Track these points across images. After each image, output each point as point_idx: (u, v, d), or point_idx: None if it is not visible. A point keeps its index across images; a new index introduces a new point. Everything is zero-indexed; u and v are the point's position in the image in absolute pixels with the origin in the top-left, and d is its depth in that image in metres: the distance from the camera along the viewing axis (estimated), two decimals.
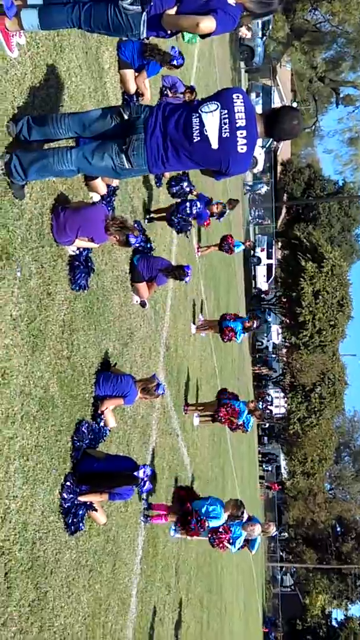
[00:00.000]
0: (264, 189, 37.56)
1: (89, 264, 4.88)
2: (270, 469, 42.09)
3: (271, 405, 44.13)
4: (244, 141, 3.70)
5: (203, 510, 7.15)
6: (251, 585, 25.76)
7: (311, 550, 42.69)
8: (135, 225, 4.88)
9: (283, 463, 45.39)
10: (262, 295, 37.40)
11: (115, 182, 5.51)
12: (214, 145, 3.70)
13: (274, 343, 47.09)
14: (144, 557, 6.74)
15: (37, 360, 4.05)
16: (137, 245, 4.79)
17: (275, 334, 46.54)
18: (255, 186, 35.71)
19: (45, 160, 3.75)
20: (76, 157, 3.77)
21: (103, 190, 5.30)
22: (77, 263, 4.73)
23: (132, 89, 6.64)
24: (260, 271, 36.51)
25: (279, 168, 43.18)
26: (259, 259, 35.86)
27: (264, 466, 40.20)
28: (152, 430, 7.61)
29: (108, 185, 5.48)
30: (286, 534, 47.85)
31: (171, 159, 3.74)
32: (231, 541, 8.21)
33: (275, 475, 45.33)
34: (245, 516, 7.65)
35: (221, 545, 8.16)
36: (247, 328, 11.25)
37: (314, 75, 29.62)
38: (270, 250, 36.43)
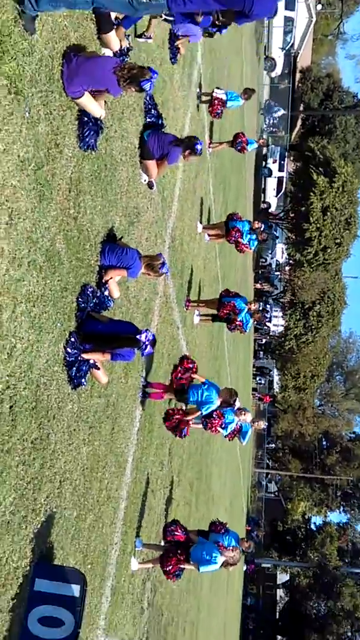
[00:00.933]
0: (280, 112, 35.91)
1: (98, 122, 4.71)
2: (263, 382, 43.22)
3: (269, 322, 44.61)
4: None
5: (199, 393, 7.38)
6: (237, 485, 27.19)
7: (297, 460, 44.71)
8: (149, 70, 4.61)
9: (276, 378, 46.60)
10: (270, 210, 36.73)
11: (125, 43, 5.20)
12: None
13: (277, 261, 46.81)
14: (140, 429, 7.03)
15: (43, 210, 4.00)
16: (150, 88, 4.50)
17: (280, 252, 46.19)
18: (271, 109, 33.97)
19: None
20: None
21: (116, 46, 5.02)
22: (86, 119, 4.57)
23: None
24: (271, 184, 35.61)
25: (298, 75, 41.01)
26: (270, 171, 34.86)
27: (257, 379, 41.24)
28: (154, 316, 7.70)
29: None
30: (274, 445, 49.95)
31: None
32: (223, 426, 8.56)
33: (268, 388, 46.59)
34: (238, 404, 7.91)
35: (213, 429, 8.51)
36: (254, 230, 11.07)
37: None
38: (282, 162, 35.31)
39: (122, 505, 6.32)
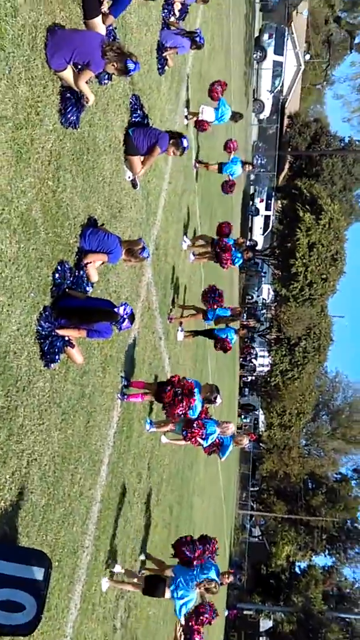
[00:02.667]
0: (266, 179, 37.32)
1: (81, 100, 4.71)
2: (248, 420, 42.78)
3: (255, 359, 44.47)
4: None
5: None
6: (220, 522, 26.47)
7: (281, 502, 43.80)
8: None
9: (261, 417, 46.14)
10: (257, 248, 37.20)
11: (110, 20, 5.26)
12: None
13: (264, 300, 47.12)
14: (118, 432, 6.80)
15: (20, 172, 3.93)
16: (134, 69, 4.55)
17: (266, 292, 46.53)
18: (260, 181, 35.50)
19: None
20: None
21: (102, 31, 5.08)
22: (68, 95, 4.57)
23: None
24: (257, 223, 36.18)
25: (286, 121, 42.29)
26: (257, 210, 35.48)
27: (242, 417, 40.78)
28: (135, 316, 7.56)
29: (107, 28, 5.25)
30: (258, 487, 49.01)
31: None
32: (204, 437, 8.30)
33: (253, 427, 46.07)
34: (219, 400, 7.71)
35: (194, 439, 8.25)
36: (239, 245, 11.10)
37: (330, 14, 28.68)
38: (269, 201, 36.00)
39: (96, 508, 6.04)
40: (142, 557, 8.11)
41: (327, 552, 43.62)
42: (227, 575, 9.84)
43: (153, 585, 6.93)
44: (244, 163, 12.61)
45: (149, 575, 7.19)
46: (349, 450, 47.23)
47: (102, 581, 6.33)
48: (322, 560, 44.44)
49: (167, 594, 6.87)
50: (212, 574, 7.77)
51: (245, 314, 39.02)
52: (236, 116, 11.60)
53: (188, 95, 10.89)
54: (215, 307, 10.19)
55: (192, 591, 6.92)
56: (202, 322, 11.35)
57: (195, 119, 10.77)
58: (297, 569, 41.61)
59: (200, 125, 10.74)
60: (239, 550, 41.36)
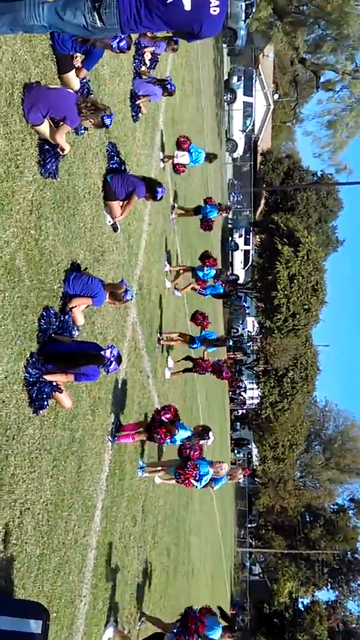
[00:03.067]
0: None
1: (57, 150, 4.85)
2: (241, 454, 42.39)
3: (244, 392, 44.42)
4: (217, 3, 3.72)
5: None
6: (219, 561, 25.90)
7: (280, 537, 43.09)
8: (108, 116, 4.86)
9: (255, 451, 45.77)
10: (238, 282, 37.61)
11: (84, 73, 5.46)
12: (187, 7, 3.71)
13: (249, 332, 47.41)
14: (110, 475, 6.73)
15: (3, 223, 4.02)
16: (110, 124, 4.76)
17: (251, 325, 46.88)
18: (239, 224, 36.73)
19: (16, 14, 3.72)
20: (48, 12, 3.74)
21: (76, 86, 5.28)
22: (47, 147, 4.71)
23: None
24: (238, 257, 36.69)
25: (259, 158, 43.44)
26: (237, 245, 36.04)
27: (235, 452, 40.44)
28: (122, 356, 7.59)
29: (81, 81, 5.46)
30: (255, 524, 48.22)
31: (144, 19, 3.74)
32: (197, 478, 8.22)
33: (247, 462, 45.64)
34: (212, 438, 7.69)
35: (187, 482, 8.17)
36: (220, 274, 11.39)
37: (295, 56, 29.93)
38: (247, 236, 36.63)
39: (92, 555, 5.93)
40: (139, 625, 7.83)
41: (329, 586, 42.78)
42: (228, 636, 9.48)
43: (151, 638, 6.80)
44: (220, 209, 12.91)
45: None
46: (344, 479, 46.88)
47: (108, 631, 6.16)
48: (325, 595, 43.53)
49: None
50: (217, 634, 7.53)
51: (232, 347, 39.16)
52: (210, 157, 11.93)
53: (163, 140, 11.21)
54: (201, 328, 10.52)
55: None
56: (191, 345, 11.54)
57: (171, 161, 11.06)
58: (300, 606, 40.64)
59: (177, 169, 11.04)
60: (240, 590, 40.36)
